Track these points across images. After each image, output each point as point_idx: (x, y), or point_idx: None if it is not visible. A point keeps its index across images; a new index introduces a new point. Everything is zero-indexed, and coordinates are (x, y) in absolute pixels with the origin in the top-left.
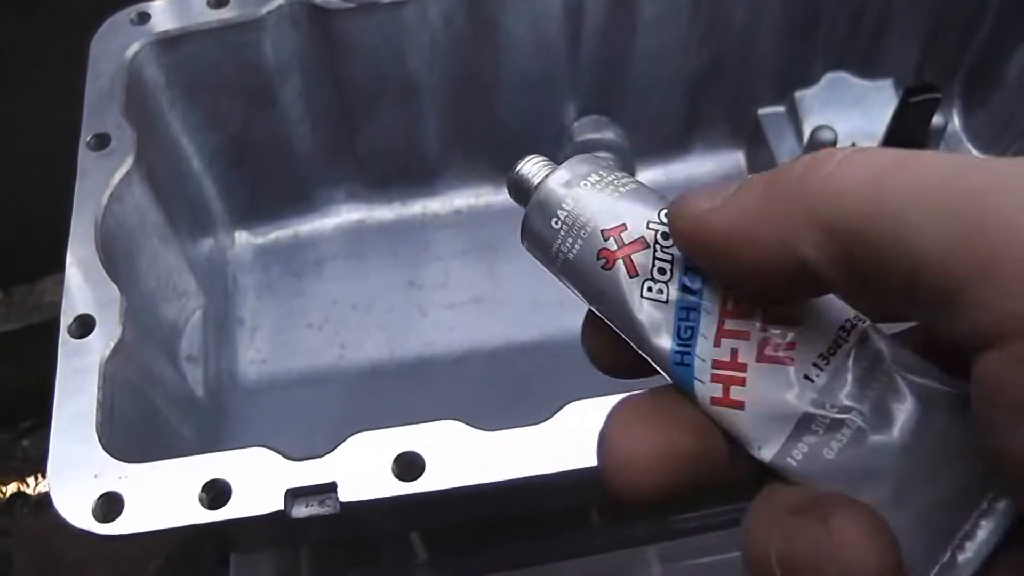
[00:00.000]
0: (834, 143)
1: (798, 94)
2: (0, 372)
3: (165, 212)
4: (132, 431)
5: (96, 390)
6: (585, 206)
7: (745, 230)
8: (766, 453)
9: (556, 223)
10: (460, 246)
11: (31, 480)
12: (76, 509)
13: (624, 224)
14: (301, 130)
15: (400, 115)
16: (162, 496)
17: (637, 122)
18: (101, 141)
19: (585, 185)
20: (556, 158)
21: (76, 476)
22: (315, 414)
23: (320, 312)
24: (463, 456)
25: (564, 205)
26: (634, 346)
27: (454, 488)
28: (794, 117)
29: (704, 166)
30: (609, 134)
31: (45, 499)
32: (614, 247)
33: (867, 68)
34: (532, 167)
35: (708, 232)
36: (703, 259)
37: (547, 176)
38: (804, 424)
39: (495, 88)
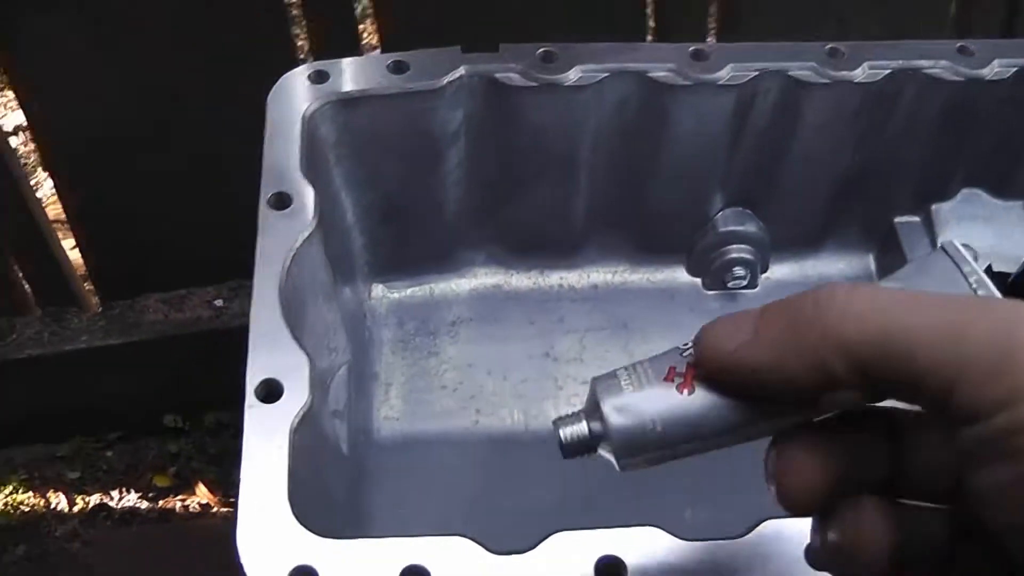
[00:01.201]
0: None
1: (934, 207)
2: (95, 384)
3: (330, 271)
4: (307, 494)
5: (287, 458)
6: (639, 388)
7: (774, 361)
8: None
9: (641, 421)
10: (596, 321)
11: (115, 493)
12: None
13: (671, 366)
14: (455, 194)
15: (554, 189)
16: None
17: (778, 217)
18: (281, 200)
19: (625, 381)
20: (696, 246)
21: (268, 546)
22: (450, 478)
23: (455, 374)
24: (665, 565)
25: (624, 396)
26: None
27: None
28: (929, 228)
29: (835, 265)
30: (751, 227)
31: (128, 514)
32: (680, 380)
33: (1001, 188)
34: (571, 422)
35: (740, 365)
36: (736, 385)
37: (593, 410)
38: None
39: (650, 174)
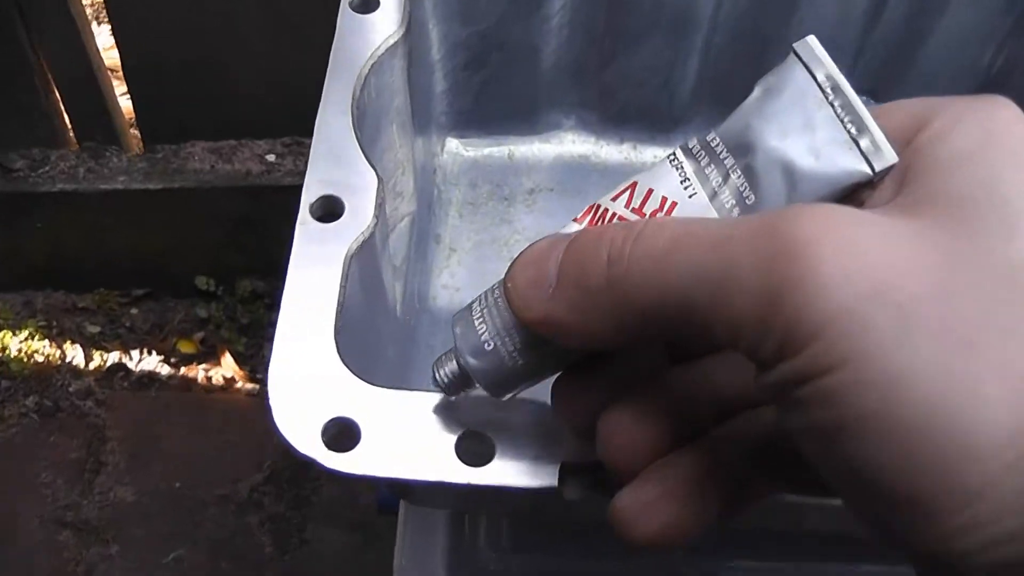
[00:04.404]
0: None
1: None
2: (126, 232)
3: (409, 100)
4: (354, 342)
5: (339, 288)
6: (492, 323)
7: (576, 323)
8: None
9: (500, 360)
10: None
11: (135, 353)
12: (300, 430)
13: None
14: (554, 43)
15: (665, 49)
16: (408, 436)
17: None
18: (366, 3)
19: (478, 319)
20: None
21: (304, 390)
22: None
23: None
24: None
25: (479, 336)
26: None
27: None
28: None
29: None
30: None
31: (147, 377)
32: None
33: None
34: (444, 363)
35: (546, 324)
36: (544, 334)
37: (456, 352)
38: None
39: (775, 43)
